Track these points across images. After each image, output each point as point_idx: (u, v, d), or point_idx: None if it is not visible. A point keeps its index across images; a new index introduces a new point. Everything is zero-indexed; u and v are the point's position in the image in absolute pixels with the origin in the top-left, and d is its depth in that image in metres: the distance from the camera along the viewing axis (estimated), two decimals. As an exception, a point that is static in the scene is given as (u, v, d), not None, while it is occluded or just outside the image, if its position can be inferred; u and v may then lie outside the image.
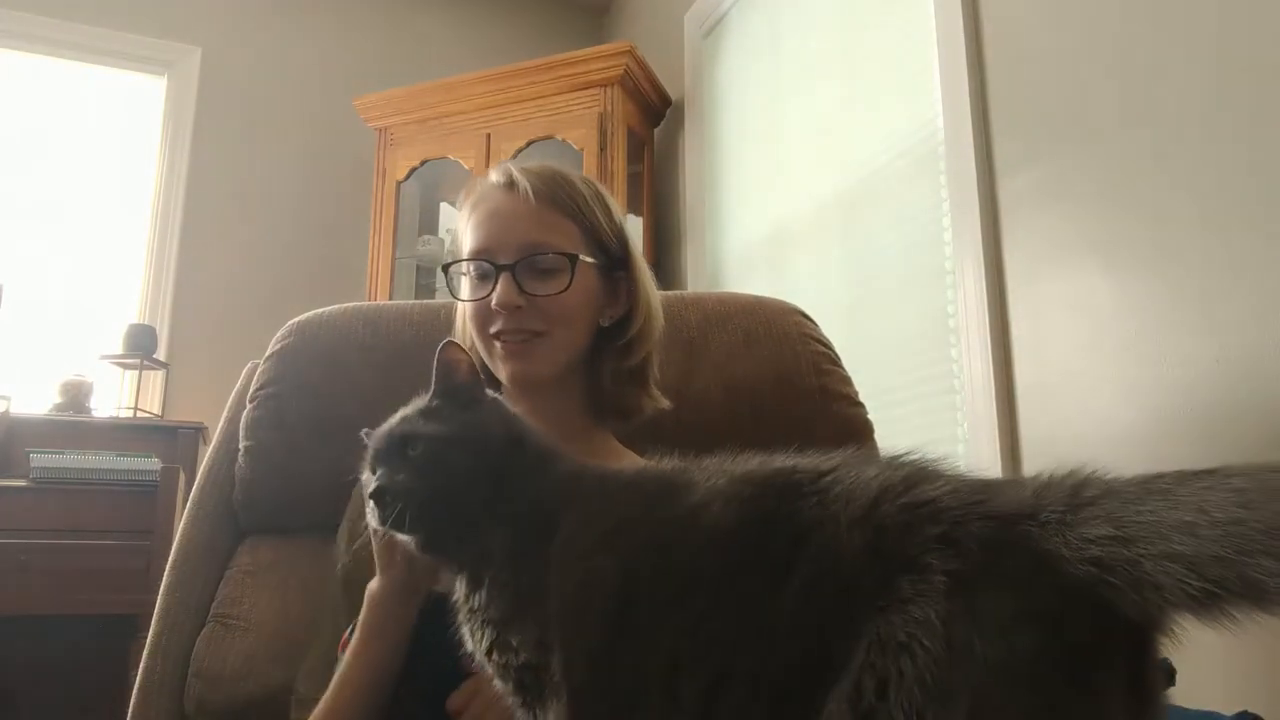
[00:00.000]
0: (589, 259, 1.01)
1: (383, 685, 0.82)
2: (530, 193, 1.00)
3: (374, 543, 0.80)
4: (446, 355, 0.73)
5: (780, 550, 0.49)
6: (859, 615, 0.44)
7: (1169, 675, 0.67)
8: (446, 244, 3.24)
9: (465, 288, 1.03)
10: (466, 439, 0.69)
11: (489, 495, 0.67)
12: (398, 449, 0.69)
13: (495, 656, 0.62)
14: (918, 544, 0.45)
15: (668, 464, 0.64)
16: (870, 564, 0.45)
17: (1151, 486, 0.41)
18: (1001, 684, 0.40)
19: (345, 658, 0.84)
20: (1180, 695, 0.66)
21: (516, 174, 1.02)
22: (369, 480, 0.70)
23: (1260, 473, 0.39)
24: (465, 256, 1.02)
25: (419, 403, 0.74)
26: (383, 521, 0.68)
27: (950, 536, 0.44)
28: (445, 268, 1.06)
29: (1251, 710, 0.91)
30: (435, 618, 0.73)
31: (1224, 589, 0.37)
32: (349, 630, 0.87)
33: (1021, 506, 0.44)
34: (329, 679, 0.85)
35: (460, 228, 1.06)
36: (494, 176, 1.04)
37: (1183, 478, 0.41)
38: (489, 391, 0.76)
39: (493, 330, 0.99)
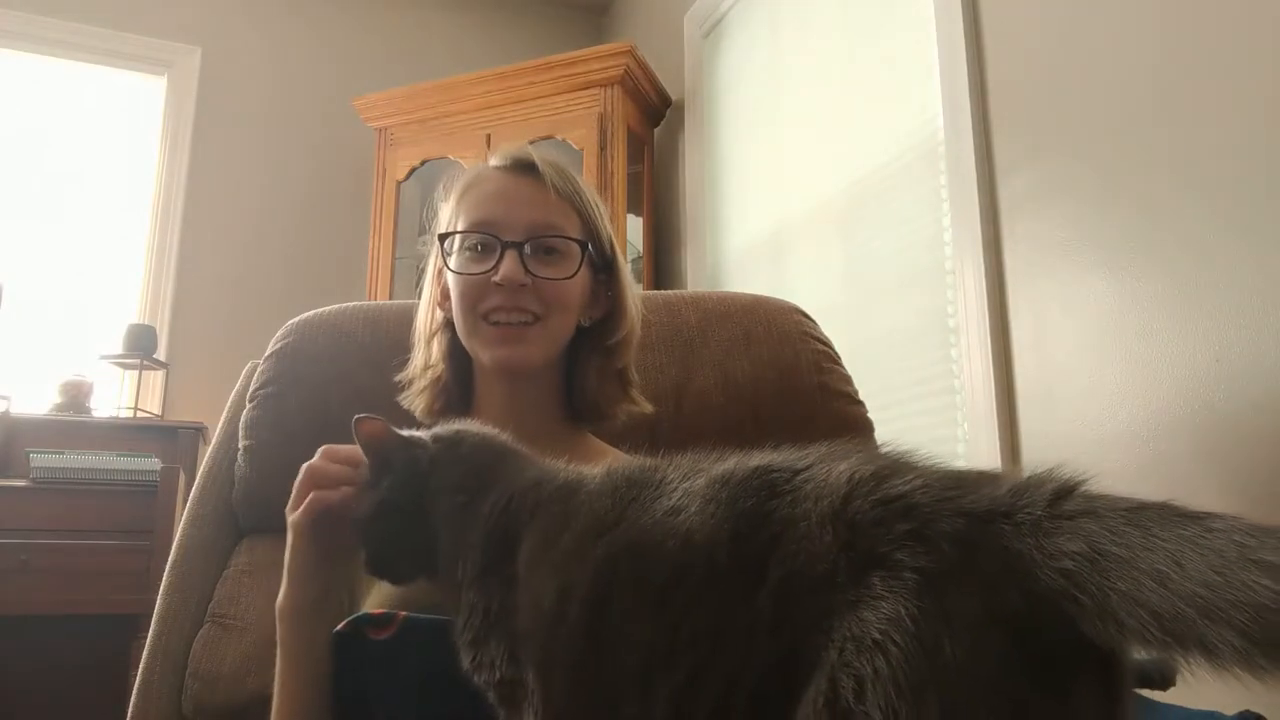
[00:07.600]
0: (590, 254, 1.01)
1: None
2: (545, 176, 0.98)
3: (291, 548, 0.79)
4: (364, 431, 0.73)
5: (756, 550, 0.49)
6: (831, 613, 0.44)
7: (1168, 678, 0.67)
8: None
9: (457, 261, 0.99)
10: (401, 504, 0.71)
11: (437, 537, 0.69)
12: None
13: (477, 676, 0.62)
14: (888, 540, 0.44)
15: (635, 462, 0.63)
16: (842, 561, 0.45)
17: (1134, 520, 0.41)
18: (970, 685, 0.40)
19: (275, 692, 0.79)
20: (1181, 695, 0.66)
21: (533, 157, 1.00)
22: None
23: (1242, 535, 0.38)
24: (462, 229, 0.98)
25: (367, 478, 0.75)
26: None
27: (921, 533, 0.44)
28: (443, 237, 1.00)
29: (1254, 710, 0.91)
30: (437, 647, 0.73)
31: (1181, 645, 0.38)
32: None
33: (996, 504, 0.44)
34: None
35: (448, 206, 1.02)
36: (497, 160, 1.02)
37: (1166, 517, 0.40)
38: (426, 436, 0.74)
39: (485, 307, 0.95)
